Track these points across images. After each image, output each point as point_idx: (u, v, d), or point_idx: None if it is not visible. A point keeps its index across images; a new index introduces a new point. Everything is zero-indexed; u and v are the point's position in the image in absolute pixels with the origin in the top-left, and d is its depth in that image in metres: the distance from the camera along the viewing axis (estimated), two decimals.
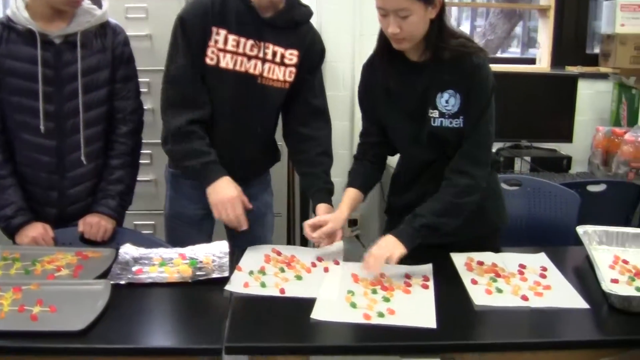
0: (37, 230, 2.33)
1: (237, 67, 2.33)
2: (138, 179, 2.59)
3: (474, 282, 1.99)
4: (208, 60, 2.31)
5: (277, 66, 2.39)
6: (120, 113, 2.45)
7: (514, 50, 6.97)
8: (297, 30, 2.42)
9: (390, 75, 2.22)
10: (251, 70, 2.35)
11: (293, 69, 2.41)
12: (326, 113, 2.57)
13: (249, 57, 2.34)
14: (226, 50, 2.31)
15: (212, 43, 2.30)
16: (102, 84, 2.38)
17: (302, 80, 2.46)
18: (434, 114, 2.17)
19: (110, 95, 2.42)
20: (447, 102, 2.14)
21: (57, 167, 2.38)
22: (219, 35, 2.29)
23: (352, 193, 2.33)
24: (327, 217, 2.25)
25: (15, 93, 2.31)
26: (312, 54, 2.46)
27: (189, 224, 2.54)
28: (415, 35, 2.08)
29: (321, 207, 2.37)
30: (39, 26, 2.28)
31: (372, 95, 2.30)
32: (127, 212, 2.57)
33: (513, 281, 2.01)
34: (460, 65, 2.11)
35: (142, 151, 2.60)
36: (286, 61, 2.39)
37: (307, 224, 2.24)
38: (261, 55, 2.35)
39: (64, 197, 2.42)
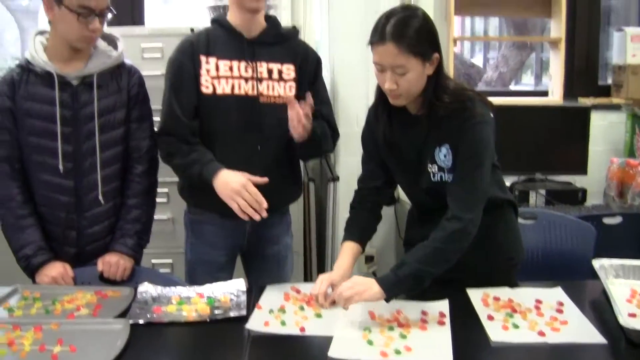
0: (56, 269, 2.35)
1: (236, 91, 2.39)
2: (155, 217, 2.61)
3: (491, 318, 1.99)
4: (204, 89, 2.38)
5: (277, 82, 2.43)
6: (136, 152, 2.48)
7: (528, 82, 6.99)
8: (287, 45, 2.48)
9: (391, 128, 2.23)
10: (250, 92, 2.40)
11: (293, 84, 2.45)
12: (332, 121, 2.58)
13: (246, 79, 2.39)
14: (220, 76, 2.37)
15: (203, 72, 2.36)
16: (118, 124, 2.43)
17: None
18: (433, 168, 2.17)
19: (126, 134, 2.46)
20: (445, 156, 2.14)
21: (76, 207, 2.41)
22: (209, 64, 2.37)
23: (351, 247, 2.29)
24: (335, 281, 2.16)
25: (34, 134, 2.35)
26: (309, 65, 2.50)
27: (211, 269, 2.54)
28: (412, 92, 2.09)
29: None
30: (56, 68, 2.33)
31: (377, 144, 2.31)
32: (144, 250, 2.59)
33: (530, 316, 2.01)
34: (454, 120, 2.10)
35: (159, 190, 2.62)
36: (284, 76, 2.44)
37: (321, 294, 2.14)
38: (256, 75, 2.39)
39: (83, 236, 2.44)
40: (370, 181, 2.37)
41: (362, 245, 2.32)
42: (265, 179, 2.30)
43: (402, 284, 2.02)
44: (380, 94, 2.20)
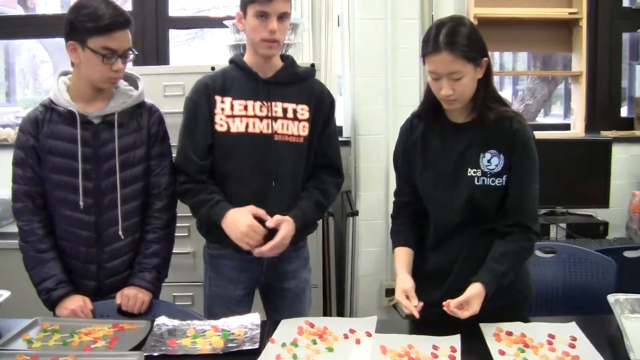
0: (76, 302, 2.39)
1: (250, 130, 2.44)
2: (176, 251, 2.65)
3: (502, 352, 1.99)
4: (218, 128, 2.45)
5: (291, 121, 2.48)
6: (155, 189, 2.53)
7: (558, 112, 6.95)
8: (303, 85, 2.53)
9: (431, 134, 2.30)
10: (265, 130, 2.45)
11: (306, 124, 2.50)
12: (338, 165, 2.64)
13: (261, 118, 2.45)
14: (234, 115, 2.44)
15: (218, 111, 2.44)
16: (138, 161, 2.48)
17: (319, 134, 2.54)
18: (477, 173, 2.22)
19: (145, 171, 2.51)
20: (489, 161, 2.21)
21: (96, 241, 2.46)
22: (224, 104, 2.44)
23: (402, 252, 2.36)
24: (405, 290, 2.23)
25: (56, 171, 2.42)
26: (323, 107, 2.55)
27: (229, 303, 2.58)
28: (466, 96, 2.18)
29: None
30: (79, 107, 2.40)
31: (409, 156, 2.36)
32: (165, 283, 2.62)
33: (541, 351, 2.00)
34: (503, 126, 2.20)
35: (180, 224, 2.67)
36: (299, 116, 2.49)
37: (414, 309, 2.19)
38: (271, 114, 2.45)
39: (102, 270, 2.49)
40: (402, 196, 2.46)
41: (411, 247, 2.38)
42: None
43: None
44: (429, 103, 2.29)
